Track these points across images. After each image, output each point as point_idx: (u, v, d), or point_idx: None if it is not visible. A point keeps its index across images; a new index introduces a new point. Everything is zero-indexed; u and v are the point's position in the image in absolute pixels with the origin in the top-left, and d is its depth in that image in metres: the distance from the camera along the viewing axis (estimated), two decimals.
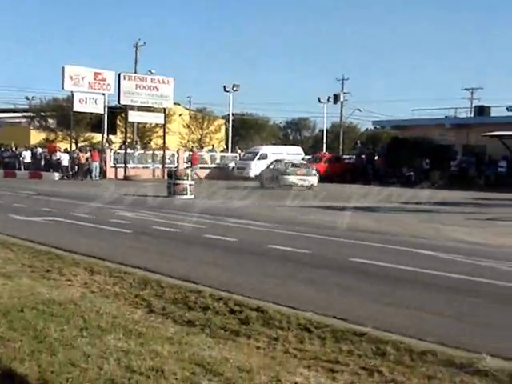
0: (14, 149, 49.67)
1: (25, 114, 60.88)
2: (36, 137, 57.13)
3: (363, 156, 50.87)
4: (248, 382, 5.06)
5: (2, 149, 50.70)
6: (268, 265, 10.98)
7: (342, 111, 73.75)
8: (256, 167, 45.91)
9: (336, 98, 71.48)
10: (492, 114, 49.03)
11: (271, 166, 39.28)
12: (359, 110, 74.78)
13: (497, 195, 30.60)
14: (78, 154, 44.61)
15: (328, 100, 70.77)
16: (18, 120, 63.53)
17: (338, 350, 5.98)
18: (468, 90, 78.78)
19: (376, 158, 49.53)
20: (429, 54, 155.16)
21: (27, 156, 46.70)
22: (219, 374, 5.20)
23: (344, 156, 56.34)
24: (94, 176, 42.68)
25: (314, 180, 37.00)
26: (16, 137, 55.42)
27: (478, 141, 42.80)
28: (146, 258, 10.95)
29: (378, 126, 61.65)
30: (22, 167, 46.43)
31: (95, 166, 43.32)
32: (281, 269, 10.61)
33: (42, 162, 46.83)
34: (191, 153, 48.67)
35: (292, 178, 36.16)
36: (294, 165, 37.88)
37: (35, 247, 11.78)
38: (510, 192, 31.87)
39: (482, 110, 50.52)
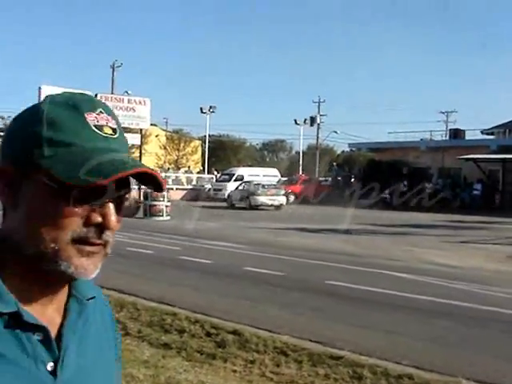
0: None
1: (1, 133, 60.55)
2: None
3: (339, 178, 51.13)
4: None
5: None
6: (243, 287, 10.98)
7: (318, 133, 74.21)
8: (232, 189, 45.95)
9: (312, 120, 71.92)
10: (467, 137, 49.52)
11: (240, 187, 40.55)
12: (335, 132, 75.39)
13: (471, 218, 30.81)
14: None
15: (304, 122, 71.22)
16: None
17: (315, 374, 6.00)
18: (443, 113, 79.68)
19: (352, 180, 49.74)
20: (405, 77, 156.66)
21: None
22: None
23: (320, 178, 56.52)
24: None
25: (282, 200, 38.70)
26: None
27: (454, 164, 43.13)
28: (121, 280, 10.88)
29: (354, 149, 61.78)
30: None
31: None
32: (256, 291, 10.61)
33: None
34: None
35: (262, 198, 37.57)
36: (263, 186, 39.16)
37: None
38: (485, 215, 32.14)
39: (456, 133, 50.94)
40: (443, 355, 6.94)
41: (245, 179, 46.74)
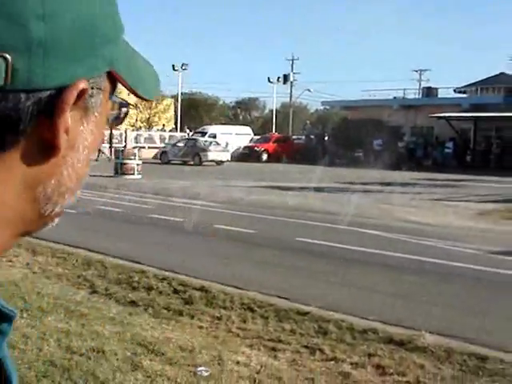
0: None
1: None
2: None
3: (312, 136, 51.13)
4: (190, 362, 5.08)
5: None
6: (214, 245, 10.98)
7: (291, 91, 73.89)
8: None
9: (286, 78, 71.56)
10: (440, 96, 49.53)
11: (180, 145, 42.39)
12: (309, 90, 75.02)
13: (443, 176, 31.05)
14: None
15: (278, 80, 70.92)
16: None
17: (281, 329, 6.04)
18: (416, 71, 79.49)
19: (325, 138, 49.77)
20: (379, 34, 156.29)
21: None
22: (161, 354, 5.21)
23: (293, 136, 56.47)
24: None
25: (227, 156, 41.54)
26: None
27: (426, 122, 43.27)
28: (89, 239, 10.86)
29: (327, 107, 61.90)
30: None
31: None
32: (227, 249, 10.62)
33: None
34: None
35: (212, 155, 40.30)
36: (210, 143, 42.06)
37: None
38: (456, 173, 32.41)
39: (429, 92, 50.94)
40: (409, 310, 7.02)
41: (217, 137, 46.74)
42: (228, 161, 40.84)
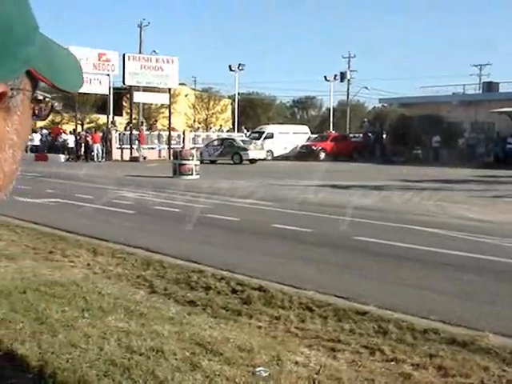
0: None
1: None
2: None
3: (370, 134, 50.68)
4: (249, 362, 5.06)
5: None
6: (270, 244, 10.96)
7: (348, 89, 73.61)
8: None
9: (342, 75, 71.24)
10: (501, 90, 48.50)
11: (215, 144, 42.74)
12: (366, 87, 74.82)
13: (504, 172, 30.38)
14: (84, 136, 44.57)
15: (335, 78, 70.50)
16: None
17: (340, 329, 5.98)
18: (476, 66, 78.21)
19: (383, 136, 49.28)
20: (437, 30, 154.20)
21: (35, 139, 46.69)
22: (219, 354, 5.20)
23: (351, 134, 56.13)
24: (95, 158, 42.68)
25: (264, 154, 42.29)
26: None
27: (487, 118, 42.40)
28: (148, 239, 10.96)
29: (385, 104, 61.16)
30: (29, 150, 46.47)
31: (96, 147, 43.26)
32: (283, 248, 10.59)
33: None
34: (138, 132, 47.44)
35: (252, 153, 40.47)
36: (245, 142, 42.76)
37: (39, 229, 11.81)
38: None
39: (490, 87, 49.98)
40: (471, 310, 6.87)
41: (275, 137, 46.85)
42: (264, 159, 41.33)
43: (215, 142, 43.19)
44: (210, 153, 41.02)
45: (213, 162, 39.65)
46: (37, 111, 0.80)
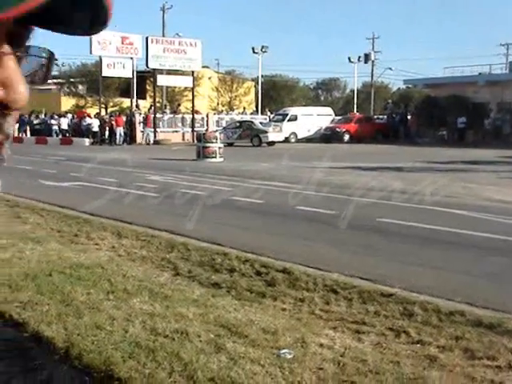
0: (44, 115, 50.00)
1: (55, 80, 61.00)
2: (66, 103, 57.55)
3: (395, 116, 50.37)
4: (273, 344, 5.05)
5: (33, 116, 50.96)
6: (294, 226, 10.94)
7: (372, 71, 73.07)
8: (286, 129, 45.96)
9: (366, 57, 70.73)
10: None
11: (233, 127, 42.54)
12: (390, 69, 74.35)
13: None
14: (108, 120, 44.76)
15: (358, 60, 70.04)
16: (48, 87, 63.82)
17: (365, 311, 5.95)
18: (503, 45, 77.12)
19: (408, 117, 48.94)
20: (461, 9, 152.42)
21: (64, 122, 46.97)
22: (244, 336, 5.20)
23: (375, 116, 55.82)
24: (118, 141, 42.84)
25: (283, 136, 42.85)
26: (47, 103, 55.75)
27: None
28: (172, 221, 10.97)
29: (409, 85, 60.71)
30: (54, 134, 46.78)
31: (119, 131, 43.42)
32: (307, 230, 10.56)
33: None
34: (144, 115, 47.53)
35: (271, 135, 41.01)
36: (264, 124, 43.28)
37: (63, 212, 11.88)
38: None
39: None
40: (498, 292, 6.80)
41: (298, 119, 46.77)
42: (283, 141, 41.78)
43: (234, 125, 43.17)
44: (228, 135, 40.71)
45: (230, 144, 39.37)
46: (31, 78, 0.74)
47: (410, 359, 4.82)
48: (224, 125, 48.70)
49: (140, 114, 46.68)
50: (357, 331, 5.44)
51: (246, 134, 40.80)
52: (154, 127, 44.71)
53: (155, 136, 44.32)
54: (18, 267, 7.49)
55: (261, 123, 43.19)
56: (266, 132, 41.04)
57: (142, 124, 44.53)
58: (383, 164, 24.15)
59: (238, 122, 43.73)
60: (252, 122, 43.33)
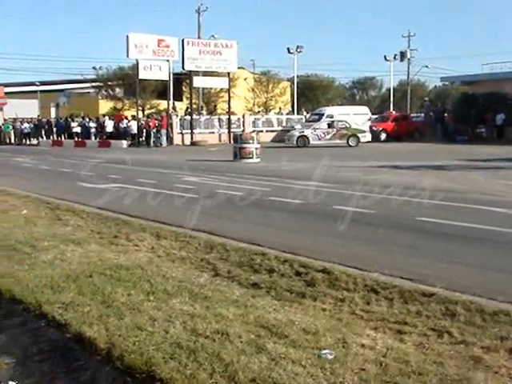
0: (82, 118, 50.50)
1: (93, 84, 61.60)
2: (104, 106, 58.07)
3: (432, 114, 49.90)
4: (314, 344, 5.02)
5: (70, 119, 51.47)
6: (332, 226, 10.85)
7: (408, 69, 72.54)
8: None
9: (402, 55, 70.32)
10: None
11: (322, 127, 40.43)
12: (427, 66, 73.53)
13: None
14: (145, 122, 45.07)
15: (394, 58, 69.68)
16: (86, 90, 64.47)
17: (406, 311, 5.88)
18: None
19: (445, 115, 48.42)
20: (497, 5, 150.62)
21: (109, 125, 47.41)
22: (284, 337, 5.17)
23: (412, 114, 55.34)
24: (161, 143, 43.08)
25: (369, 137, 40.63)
26: (84, 107, 56.40)
27: None
28: (211, 222, 10.97)
29: (446, 83, 60.28)
30: (93, 136, 47.24)
31: (164, 132, 43.69)
32: (346, 229, 10.47)
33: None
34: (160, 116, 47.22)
35: (367, 136, 40.08)
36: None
37: (103, 214, 11.96)
38: None
39: None
40: None
41: (334, 118, 46.53)
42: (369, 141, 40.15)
43: (321, 126, 41.03)
44: (319, 136, 39.40)
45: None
46: None
47: (454, 360, 4.74)
48: (260, 125, 48.80)
49: (177, 115, 46.94)
50: (398, 331, 5.38)
51: (342, 135, 39.56)
52: (191, 128, 44.93)
53: (192, 137, 44.51)
54: (59, 269, 7.56)
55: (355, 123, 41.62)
56: (365, 132, 40.28)
57: (154, 130, 44.43)
58: (421, 162, 23.97)
59: (328, 122, 41.53)
60: (346, 121, 41.56)
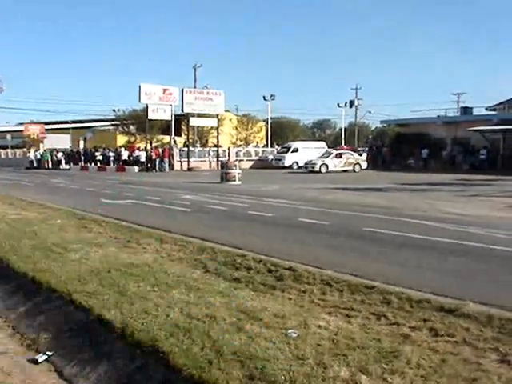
0: (103, 149, 50.28)
1: (112, 122, 61.42)
2: (120, 139, 57.79)
3: (374, 148, 50.28)
4: (282, 326, 5.03)
5: (94, 149, 51.23)
6: (297, 234, 10.89)
7: (356, 113, 73.31)
8: (289, 158, 46.14)
9: (351, 103, 71.10)
10: (474, 113, 48.04)
11: (338, 156, 39.46)
12: (370, 112, 74.70)
13: (479, 177, 29.95)
14: (151, 152, 44.96)
15: (345, 105, 70.69)
16: (107, 127, 64.21)
17: (353, 300, 5.91)
18: (455, 94, 77.34)
19: (384, 149, 48.80)
20: (423, 67, 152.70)
21: (125, 154, 47.11)
22: (259, 320, 5.18)
23: (359, 148, 55.63)
24: (164, 169, 43.02)
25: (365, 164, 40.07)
26: (105, 140, 56.16)
27: (464, 134, 41.69)
28: (202, 230, 10.95)
29: (385, 125, 60.54)
30: (111, 163, 46.96)
31: (166, 160, 43.67)
32: (308, 237, 10.51)
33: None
34: (163, 148, 46.92)
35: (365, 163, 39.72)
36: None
37: (119, 223, 11.89)
38: (489, 174, 31.30)
39: (466, 110, 49.43)
40: (456, 284, 6.74)
41: (299, 151, 46.71)
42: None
43: (332, 155, 39.45)
44: (335, 164, 38.35)
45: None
46: None
47: (388, 337, 4.77)
48: (242, 156, 48.81)
49: (177, 147, 46.88)
50: (347, 315, 5.40)
51: (350, 163, 39.02)
52: (188, 157, 44.89)
53: (188, 164, 44.45)
54: (85, 265, 7.51)
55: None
56: (364, 161, 40.06)
57: (157, 160, 43.71)
58: (365, 185, 24.09)
59: (339, 153, 40.42)
60: (352, 153, 41.11)
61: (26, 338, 5.76)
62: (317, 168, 37.94)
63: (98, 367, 4.81)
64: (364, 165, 39.73)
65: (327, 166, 38.19)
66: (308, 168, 38.78)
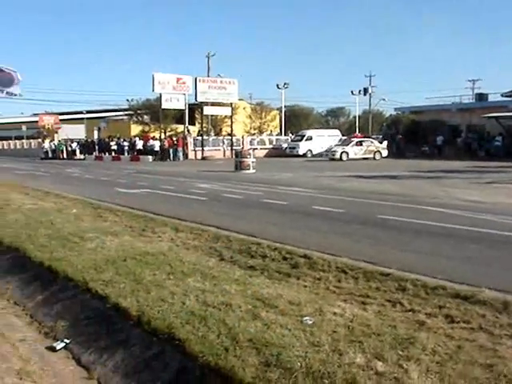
0: (118, 139, 50.45)
1: (126, 112, 61.58)
2: (134, 129, 57.94)
3: (388, 136, 49.95)
4: (297, 313, 5.03)
5: (108, 139, 51.39)
6: (312, 222, 10.86)
7: (370, 101, 72.72)
8: (303, 146, 46.04)
9: (365, 90, 70.61)
10: (489, 99, 47.53)
11: (360, 145, 39.22)
12: (384, 99, 73.99)
13: (494, 164, 29.69)
14: (165, 141, 45.03)
15: (359, 92, 70.25)
16: (121, 117, 64.38)
17: (368, 287, 5.89)
18: (470, 81, 76.57)
19: (398, 136, 48.48)
20: (439, 53, 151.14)
21: (139, 144, 47.20)
22: (275, 307, 5.18)
23: (373, 136, 55.32)
24: (178, 158, 43.12)
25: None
26: (120, 130, 56.34)
27: (479, 121, 41.28)
28: (217, 219, 10.96)
29: (399, 112, 60.08)
30: (126, 153, 47.12)
31: (180, 150, 43.74)
32: (322, 224, 10.48)
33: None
34: (176, 137, 46.73)
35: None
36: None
37: (134, 212, 11.93)
38: (505, 161, 31.02)
39: (481, 97, 48.97)
40: (471, 271, 6.69)
41: (313, 139, 46.57)
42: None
43: (359, 145, 39.16)
44: (355, 152, 38.28)
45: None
46: None
47: (404, 324, 4.76)
48: (256, 144, 48.78)
49: (191, 136, 46.91)
50: (362, 302, 5.39)
51: (370, 151, 38.98)
52: (202, 146, 44.92)
53: (202, 153, 44.48)
54: (101, 254, 7.56)
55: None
56: (385, 148, 39.75)
57: (171, 149, 43.81)
58: (380, 173, 23.97)
59: (359, 141, 39.97)
60: (372, 140, 40.89)
61: (43, 326, 5.82)
62: (337, 156, 37.80)
63: (115, 355, 4.84)
64: (385, 153, 39.48)
65: (348, 153, 38.01)
66: (329, 156, 38.66)
